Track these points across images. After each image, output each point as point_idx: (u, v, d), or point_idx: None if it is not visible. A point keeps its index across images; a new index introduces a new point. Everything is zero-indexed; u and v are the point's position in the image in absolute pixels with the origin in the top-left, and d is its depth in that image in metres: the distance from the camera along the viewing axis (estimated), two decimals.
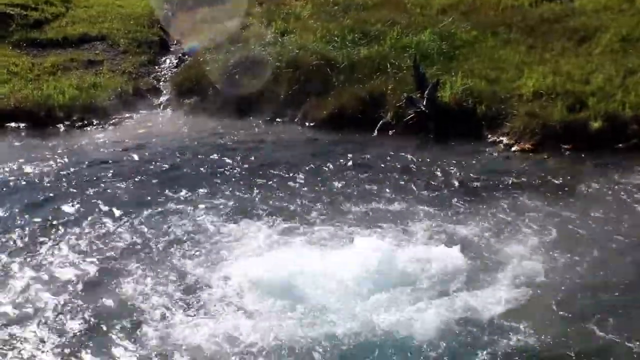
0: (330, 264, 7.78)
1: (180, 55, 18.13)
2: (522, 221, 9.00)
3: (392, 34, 15.96)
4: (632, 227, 8.80)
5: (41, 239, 8.75)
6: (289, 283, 7.49)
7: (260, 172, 11.07)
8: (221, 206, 9.70)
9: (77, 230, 9.01)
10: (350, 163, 11.43)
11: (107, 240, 8.76)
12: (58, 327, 6.98)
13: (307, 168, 11.20)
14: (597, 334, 6.68)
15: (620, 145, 11.61)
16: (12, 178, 10.92)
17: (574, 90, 12.57)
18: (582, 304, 7.21)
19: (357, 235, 8.59)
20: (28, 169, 11.27)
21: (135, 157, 11.92)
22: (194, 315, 7.17)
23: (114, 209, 9.63)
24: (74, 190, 10.36)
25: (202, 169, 11.30)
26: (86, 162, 11.64)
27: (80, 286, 7.71)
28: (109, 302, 7.40)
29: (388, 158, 11.63)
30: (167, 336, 6.81)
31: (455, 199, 9.81)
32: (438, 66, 14.29)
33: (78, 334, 6.89)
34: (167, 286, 7.68)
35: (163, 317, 7.11)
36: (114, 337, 6.83)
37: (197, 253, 8.38)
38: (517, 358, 6.38)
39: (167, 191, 10.26)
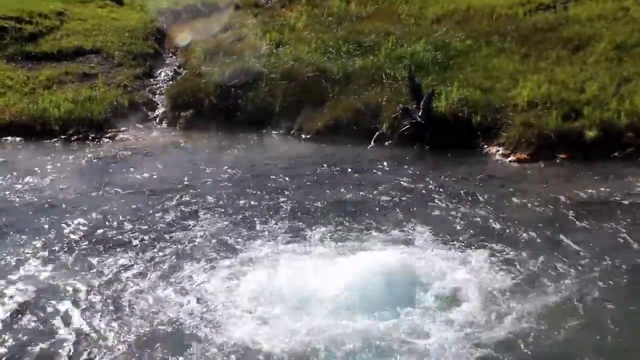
0: (326, 277, 7.71)
1: (175, 67, 18.13)
2: (522, 234, 8.92)
3: (386, 44, 16.04)
4: (634, 237, 8.76)
5: (34, 256, 8.65)
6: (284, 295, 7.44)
7: (254, 185, 10.98)
8: (217, 219, 9.63)
9: (68, 247, 8.91)
10: (346, 175, 11.42)
11: (99, 254, 8.66)
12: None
13: (302, 181, 11.17)
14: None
15: (616, 154, 11.61)
16: (7, 193, 10.88)
17: (569, 99, 12.59)
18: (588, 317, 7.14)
19: (355, 249, 8.52)
20: (23, 184, 11.21)
21: (131, 172, 11.88)
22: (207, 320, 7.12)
23: (110, 225, 9.57)
24: (68, 207, 10.28)
25: (196, 182, 11.24)
26: (81, 178, 11.59)
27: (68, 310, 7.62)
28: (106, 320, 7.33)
29: (384, 169, 11.63)
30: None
31: (453, 212, 9.74)
32: (433, 76, 14.34)
33: None
34: (175, 297, 7.58)
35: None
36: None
37: (199, 264, 8.32)
38: None
39: (161, 206, 10.19)
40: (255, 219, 9.61)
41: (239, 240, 8.90)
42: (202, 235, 9.11)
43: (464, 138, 12.57)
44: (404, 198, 10.34)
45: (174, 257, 8.50)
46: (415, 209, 9.87)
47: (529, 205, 9.86)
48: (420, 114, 12.72)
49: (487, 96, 13.21)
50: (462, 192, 10.46)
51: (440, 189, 10.62)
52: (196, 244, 8.86)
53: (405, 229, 9.11)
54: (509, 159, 11.93)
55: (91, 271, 8.19)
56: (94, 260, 8.45)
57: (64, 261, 8.47)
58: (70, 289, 7.79)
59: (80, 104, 14.95)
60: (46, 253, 8.67)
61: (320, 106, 14.20)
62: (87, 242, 8.99)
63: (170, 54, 19.51)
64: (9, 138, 13.88)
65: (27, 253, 8.69)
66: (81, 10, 21.35)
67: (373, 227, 9.24)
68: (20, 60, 17.50)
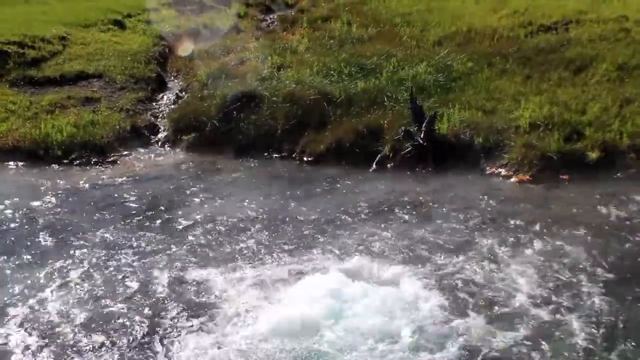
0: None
1: (177, 91, 18.18)
2: (523, 257, 8.89)
3: (388, 67, 16.08)
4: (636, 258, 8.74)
5: (36, 281, 8.64)
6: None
7: (257, 212, 10.95)
8: (216, 246, 9.63)
9: (70, 270, 8.92)
10: (349, 199, 11.39)
11: (95, 282, 8.65)
12: None
13: (304, 205, 11.17)
14: None
15: (619, 174, 11.58)
16: (9, 217, 10.87)
17: (571, 120, 12.58)
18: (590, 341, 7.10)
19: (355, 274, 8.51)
20: (25, 209, 11.20)
21: (132, 197, 11.84)
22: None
23: (109, 250, 9.56)
24: (70, 231, 10.27)
25: (198, 208, 11.21)
26: (83, 202, 11.58)
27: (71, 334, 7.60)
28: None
29: (386, 193, 11.60)
30: None
31: (455, 235, 9.71)
32: (435, 98, 14.34)
33: None
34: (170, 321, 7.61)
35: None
36: None
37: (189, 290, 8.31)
38: None
39: (163, 232, 10.20)
40: (259, 244, 9.69)
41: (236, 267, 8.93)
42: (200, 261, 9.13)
43: (466, 160, 12.53)
44: (402, 220, 10.35)
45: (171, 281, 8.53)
46: (412, 231, 9.86)
47: (531, 226, 9.84)
48: (422, 136, 12.69)
49: (489, 118, 13.18)
50: (463, 213, 10.44)
51: (442, 211, 10.60)
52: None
53: (402, 256, 9.13)
54: (511, 180, 11.88)
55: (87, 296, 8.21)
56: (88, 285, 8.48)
57: (60, 285, 8.48)
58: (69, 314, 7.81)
59: (82, 128, 14.89)
60: (42, 277, 8.68)
61: (322, 129, 14.18)
62: (82, 266, 9.00)
63: (173, 78, 19.58)
64: (11, 163, 13.85)
65: (24, 276, 8.71)
66: (84, 34, 21.42)
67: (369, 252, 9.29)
68: (22, 85, 17.51)
